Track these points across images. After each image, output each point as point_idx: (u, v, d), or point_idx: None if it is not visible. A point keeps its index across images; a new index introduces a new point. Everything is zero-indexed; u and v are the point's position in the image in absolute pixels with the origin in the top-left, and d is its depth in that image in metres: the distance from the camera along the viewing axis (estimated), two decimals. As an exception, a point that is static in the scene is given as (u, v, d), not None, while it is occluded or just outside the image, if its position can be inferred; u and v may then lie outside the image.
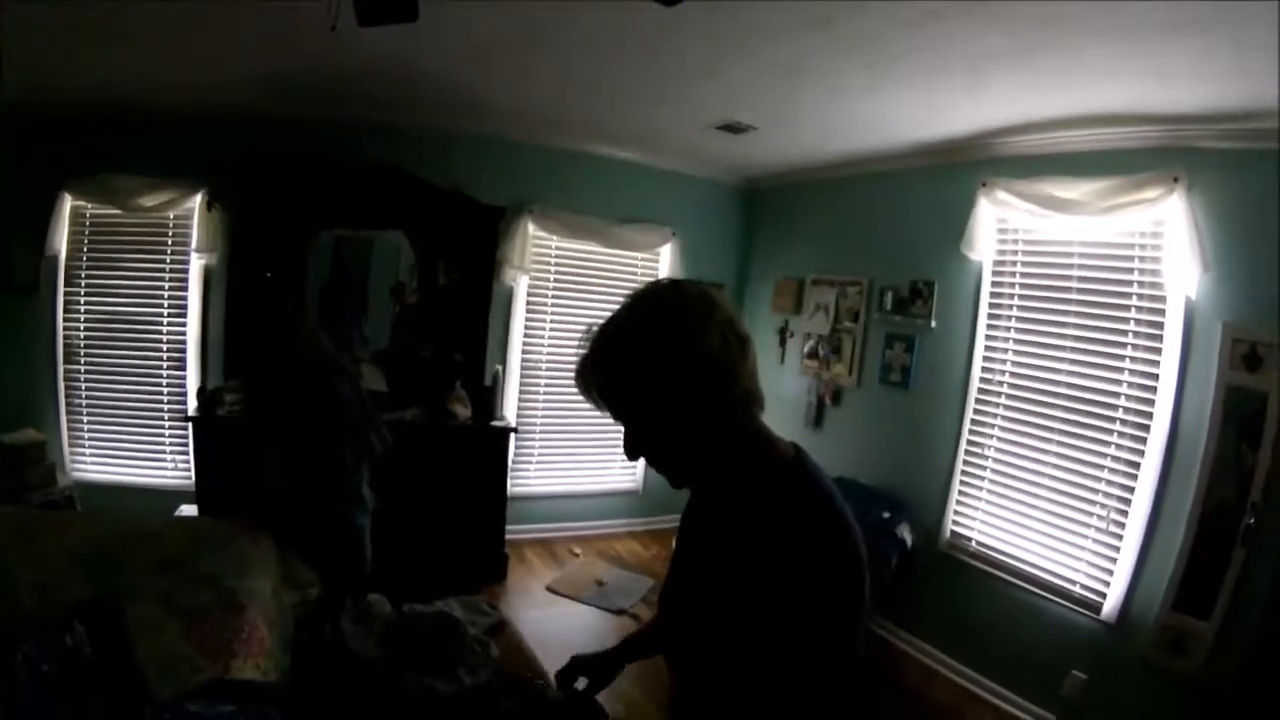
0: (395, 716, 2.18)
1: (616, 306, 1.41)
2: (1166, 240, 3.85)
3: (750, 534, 1.33)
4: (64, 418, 5.56)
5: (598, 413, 1.43)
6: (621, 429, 1.43)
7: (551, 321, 6.68)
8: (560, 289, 6.69)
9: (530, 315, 6.58)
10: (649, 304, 1.40)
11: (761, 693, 1.30)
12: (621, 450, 1.45)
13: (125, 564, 3.03)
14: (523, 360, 6.59)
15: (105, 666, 1.96)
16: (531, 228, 6.27)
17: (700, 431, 1.36)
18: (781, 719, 1.30)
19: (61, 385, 5.52)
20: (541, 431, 6.82)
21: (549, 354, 6.70)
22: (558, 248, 6.57)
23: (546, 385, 6.74)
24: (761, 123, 5.10)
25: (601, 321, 1.41)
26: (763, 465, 1.40)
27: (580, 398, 1.43)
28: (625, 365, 1.34)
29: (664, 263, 6.98)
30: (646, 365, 1.32)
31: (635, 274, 6.89)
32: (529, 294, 6.53)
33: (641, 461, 1.46)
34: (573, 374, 1.43)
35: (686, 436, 1.37)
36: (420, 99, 5.28)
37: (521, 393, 6.63)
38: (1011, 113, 4.22)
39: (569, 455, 7.02)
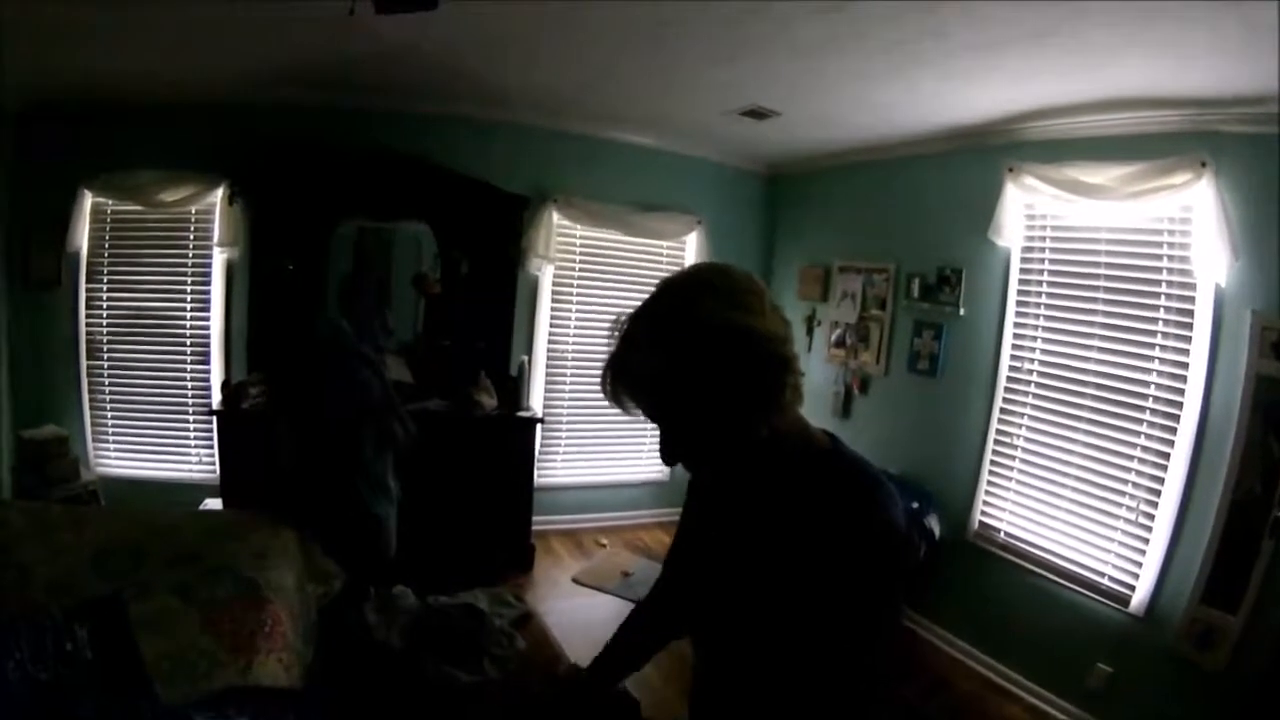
0: (420, 709, 2.18)
1: (644, 295, 1.33)
2: (1195, 226, 3.78)
3: (804, 524, 1.28)
4: (87, 413, 5.61)
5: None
6: (651, 425, 1.35)
7: (577, 311, 6.67)
8: (585, 278, 6.68)
9: (556, 305, 6.56)
10: (698, 287, 1.31)
11: (797, 676, 1.28)
12: (650, 442, 1.41)
13: (144, 558, 3.01)
14: (549, 350, 6.59)
15: (108, 670, 1.93)
16: (556, 216, 6.25)
17: (753, 422, 1.28)
18: (817, 701, 1.28)
19: (85, 381, 5.57)
20: (568, 421, 6.80)
21: (575, 343, 6.69)
22: (582, 236, 6.55)
23: (573, 375, 6.73)
24: (784, 108, 5.04)
25: (633, 310, 1.32)
26: (809, 453, 1.37)
27: None
28: (681, 351, 1.24)
29: (690, 251, 6.95)
30: (707, 350, 1.22)
31: (661, 262, 6.86)
32: (554, 283, 6.51)
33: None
34: (600, 367, 1.33)
35: (739, 428, 1.29)
36: (438, 87, 5.27)
37: (548, 382, 6.63)
38: (1033, 96, 4.16)
39: (596, 445, 7.00)
